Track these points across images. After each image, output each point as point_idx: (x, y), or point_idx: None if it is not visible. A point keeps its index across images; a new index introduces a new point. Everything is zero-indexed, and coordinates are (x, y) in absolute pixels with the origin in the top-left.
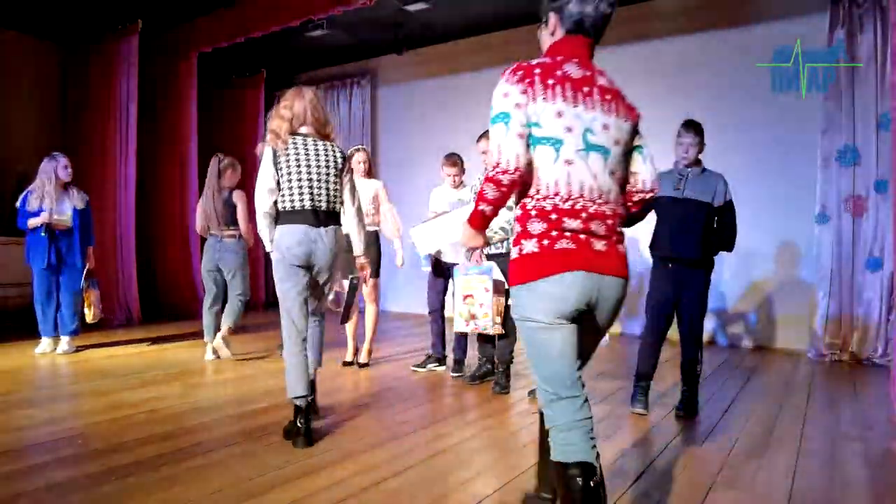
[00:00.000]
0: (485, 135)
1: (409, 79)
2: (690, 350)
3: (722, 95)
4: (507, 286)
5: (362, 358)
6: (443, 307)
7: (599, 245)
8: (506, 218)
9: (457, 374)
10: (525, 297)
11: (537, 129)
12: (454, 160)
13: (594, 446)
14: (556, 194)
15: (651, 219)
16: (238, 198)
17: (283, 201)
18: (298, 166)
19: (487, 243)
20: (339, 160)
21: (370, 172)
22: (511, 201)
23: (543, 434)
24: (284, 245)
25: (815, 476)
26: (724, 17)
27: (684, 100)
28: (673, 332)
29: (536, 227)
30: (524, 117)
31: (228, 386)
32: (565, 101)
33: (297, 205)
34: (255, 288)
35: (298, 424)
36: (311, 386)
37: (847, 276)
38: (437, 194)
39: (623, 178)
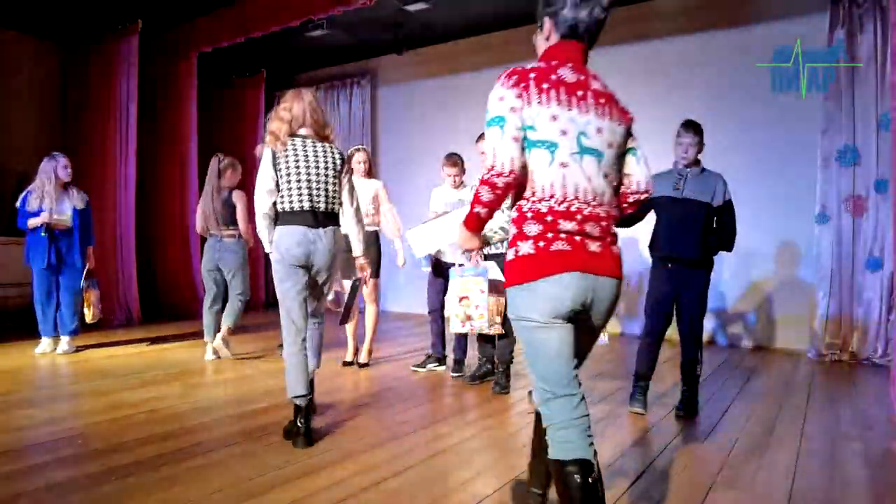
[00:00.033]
0: (483, 136)
1: (409, 79)
2: (690, 350)
3: (722, 95)
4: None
5: (362, 358)
6: (443, 307)
7: (594, 246)
8: (506, 218)
9: (457, 374)
10: (521, 298)
11: (532, 132)
12: (454, 160)
13: (591, 444)
14: (552, 196)
15: (650, 219)
16: (238, 198)
17: (282, 202)
18: (297, 168)
19: (487, 243)
20: (338, 161)
21: (370, 172)
22: (506, 203)
23: (538, 431)
24: (283, 246)
25: (815, 476)
26: (724, 17)
27: (684, 100)
28: (673, 333)
29: (532, 228)
30: (519, 121)
31: (228, 386)
32: (560, 105)
33: (296, 206)
34: (255, 288)
35: (298, 424)
36: (310, 386)
37: (847, 276)
38: (438, 194)
39: (616, 180)
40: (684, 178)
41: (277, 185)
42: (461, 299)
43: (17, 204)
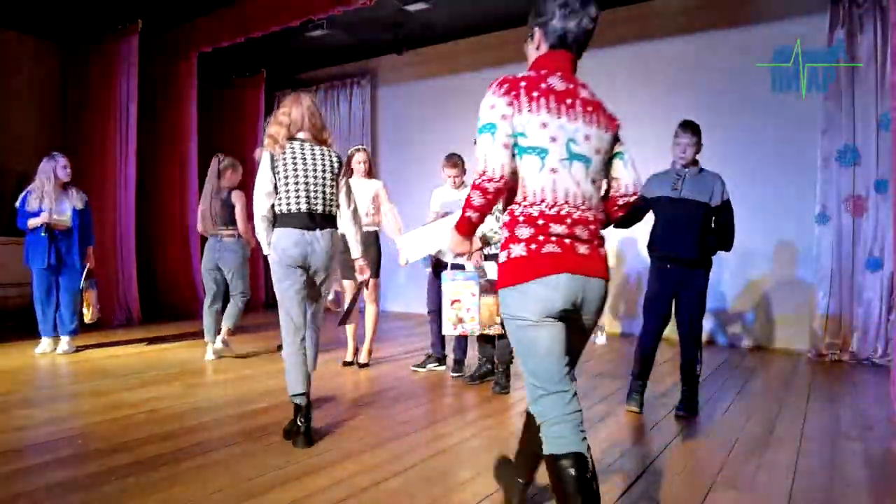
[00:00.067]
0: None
1: (409, 79)
2: (690, 350)
3: (722, 95)
4: None
5: (362, 358)
6: (440, 311)
7: (583, 249)
8: (498, 223)
9: (457, 374)
10: (514, 298)
11: (523, 139)
12: (454, 161)
13: (584, 438)
14: (543, 201)
15: (649, 219)
16: (236, 198)
17: (280, 204)
18: (296, 170)
19: (488, 243)
20: (336, 164)
21: (370, 172)
22: (498, 208)
23: (526, 426)
24: (281, 247)
25: (815, 476)
26: (724, 17)
27: (684, 100)
28: (672, 333)
29: (524, 232)
30: (510, 128)
31: (228, 386)
32: (549, 113)
33: (294, 208)
34: (255, 288)
35: (298, 423)
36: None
37: (847, 276)
38: (439, 194)
39: (603, 185)
40: (682, 178)
41: (276, 187)
42: (453, 302)
43: (17, 204)
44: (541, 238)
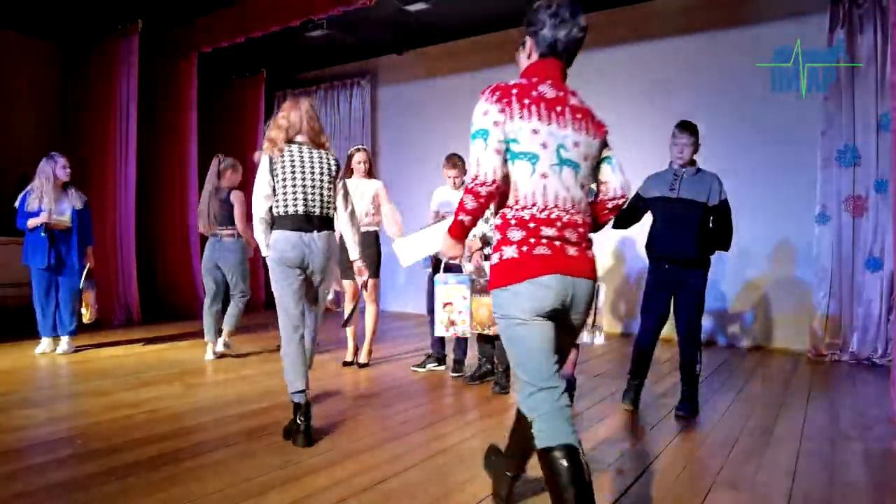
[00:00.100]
0: None
1: (409, 79)
2: (689, 350)
3: (722, 95)
4: None
5: (362, 358)
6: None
7: (572, 251)
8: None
9: (457, 374)
10: (506, 298)
11: (515, 144)
12: (454, 161)
13: (574, 432)
14: (534, 205)
15: (648, 219)
16: (235, 198)
17: (278, 207)
18: (293, 173)
19: (488, 243)
20: (333, 167)
21: (370, 172)
22: (490, 211)
23: (516, 422)
24: (280, 249)
25: (815, 476)
26: (724, 17)
27: (684, 99)
28: (672, 333)
29: (516, 234)
30: (502, 134)
31: (228, 386)
32: (540, 120)
33: (291, 210)
34: (255, 288)
35: (298, 422)
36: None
37: (847, 276)
38: (438, 195)
39: (591, 189)
40: (680, 178)
41: (274, 190)
42: (445, 305)
43: (17, 204)
44: (532, 240)
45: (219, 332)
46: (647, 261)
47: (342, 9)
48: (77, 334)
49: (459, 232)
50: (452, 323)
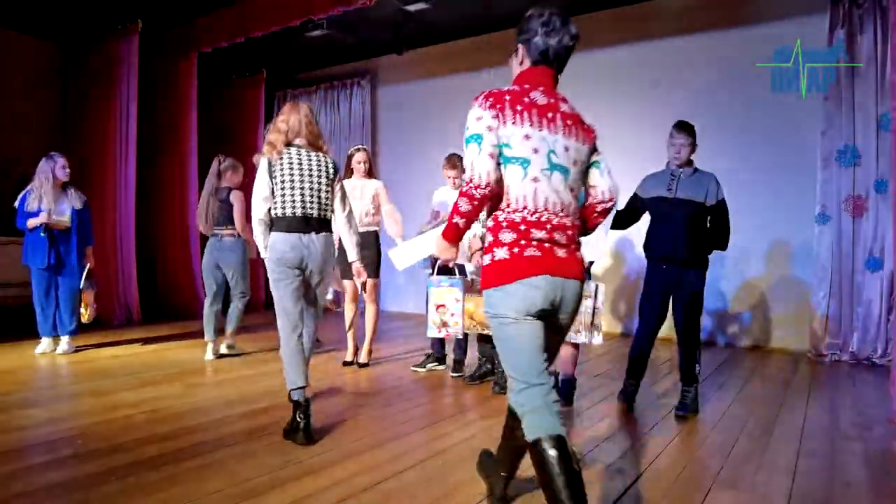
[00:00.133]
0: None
1: (409, 79)
2: (688, 350)
3: (722, 95)
4: None
5: (362, 358)
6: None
7: (561, 252)
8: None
9: (457, 374)
10: (497, 298)
11: (508, 149)
12: (454, 162)
13: (563, 424)
14: (525, 208)
15: (645, 220)
16: (235, 198)
17: (276, 208)
18: (292, 175)
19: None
20: (331, 170)
21: (370, 172)
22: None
23: (508, 421)
24: (278, 250)
25: (815, 476)
26: (724, 17)
27: (684, 99)
28: (673, 333)
29: (507, 236)
30: (495, 139)
31: (228, 386)
32: (532, 126)
33: (290, 212)
34: (255, 288)
35: (298, 420)
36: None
37: (847, 276)
38: (439, 194)
39: (580, 193)
40: (677, 178)
41: (273, 192)
42: (438, 307)
43: (16, 204)
44: (522, 242)
45: (220, 332)
46: (644, 261)
47: (342, 9)
48: (77, 334)
49: (454, 235)
50: (444, 324)
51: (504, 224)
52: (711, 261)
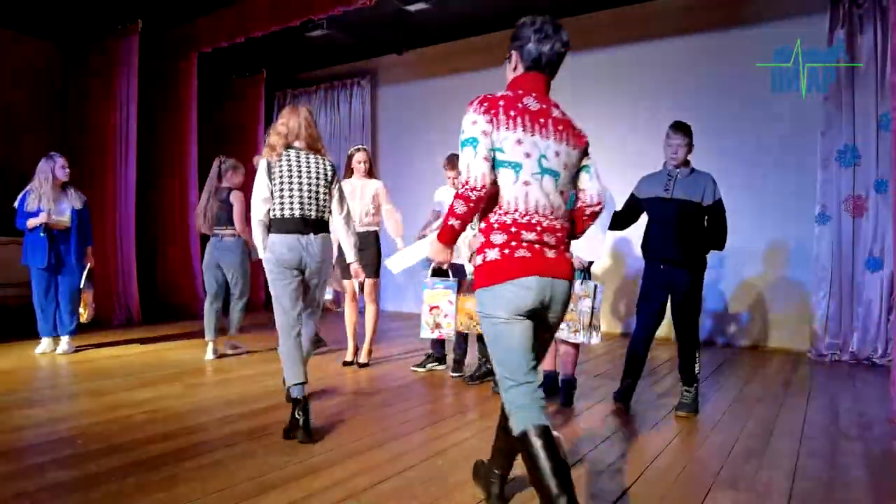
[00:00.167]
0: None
1: (409, 79)
2: (688, 350)
3: (722, 95)
4: None
5: (362, 358)
6: None
7: (551, 253)
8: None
9: (457, 374)
10: (488, 298)
11: (500, 153)
12: (455, 162)
13: (548, 418)
14: (516, 210)
15: (643, 220)
16: (235, 198)
17: (275, 210)
18: (290, 177)
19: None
20: (329, 172)
21: (370, 172)
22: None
23: (501, 421)
24: (277, 251)
25: (815, 476)
26: (724, 17)
27: (684, 99)
28: (671, 333)
29: (498, 238)
30: (489, 143)
31: (228, 386)
32: (524, 131)
33: (288, 213)
34: (255, 288)
35: (297, 417)
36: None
37: (847, 276)
38: (440, 194)
39: (569, 197)
40: (674, 178)
41: (272, 193)
42: (431, 308)
43: (16, 204)
44: (513, 244)
45: (220, 332)
46: (642, 261)
47: (342, 9)
48: (77, 334)
49: (449, 236)
50: (438, 325)
51: (496, 226)
52: (711, 261)
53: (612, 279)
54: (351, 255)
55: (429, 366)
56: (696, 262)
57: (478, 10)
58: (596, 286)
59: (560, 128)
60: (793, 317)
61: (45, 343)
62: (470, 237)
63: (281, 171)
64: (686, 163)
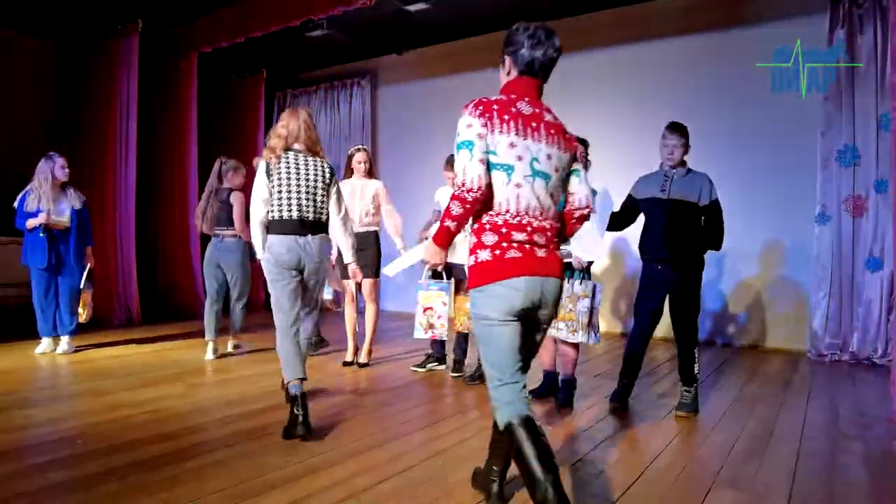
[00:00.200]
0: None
1: (409, 79)
2: (687, 350)
3: (722, 95)
4: None
5: (362, 358)
6: None
7: (541, 252)
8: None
9: (457, 374)
10: (480, 299)
11: (494, 156)
12: (454, 163)
13: (531, 411)
14: (507, 211)
15: (640, 221)
16: (235, 198)
17: (273, 211)
18: (289, 179)
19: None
20: (327, 175)
21: (370, 172)
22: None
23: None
24: (275, 252)
25: (815, 476)
26: (724, 17)
27: (684, 99)
28: (671, 333)
29: (489, 238)
30: (484, 145)
31: (228, 386)
32: (517, 135)
33: (286, 215)
34: (256, 288)
35: (296, 412)
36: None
37: (847, 276)
38: (442, 194)
39: (559, 198)
40: (670, 179)
41: (271, 194)
42: (425, 310)
43: (15, 204)
44: (504, 245)
45: (220, 332)
46: (640, 262)
47: (342, 9)
48: (77, 334)
49: (445, 238)
50: (431, 326)
51: (487, 227)
52: (712, 261)
53: (612, 279)
54: (348, 256)
55: (429, 366)
56: (693, 262)
57: (478, 10)
58: (595, 286)
59: (552, 131)
60: (792, 317)
61: (45, 343)
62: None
63: (279, 173)
64: (682, 163)
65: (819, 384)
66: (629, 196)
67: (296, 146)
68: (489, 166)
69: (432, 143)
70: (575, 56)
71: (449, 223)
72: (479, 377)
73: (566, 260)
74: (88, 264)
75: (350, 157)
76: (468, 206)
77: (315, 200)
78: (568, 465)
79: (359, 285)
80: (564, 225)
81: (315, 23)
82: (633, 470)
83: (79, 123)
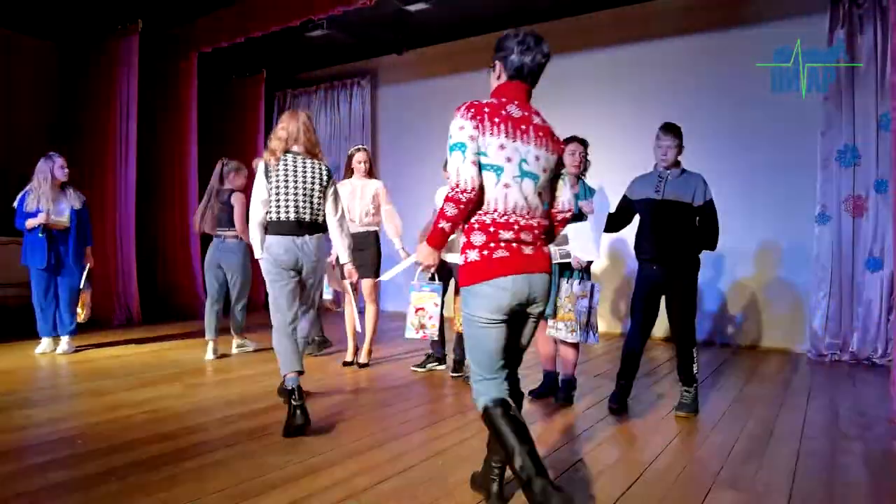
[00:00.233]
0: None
1: (409, 79)
2: (685, 350)
3: (722, 95)
4: None
5: (362, 358)
6: (442, 307)
7: (528, 250)
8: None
9: (457, 374)
10: (470, 297)
11: (484, 157)
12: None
13: (508, 397)
14: (495, 210)
15: (636, 222)
16: (235, 199)
17: (271, 212)
18: (287, 180)
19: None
20: (325, 176)
21: (370, 172)
22: None
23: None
24: (274, 252)
25: (815, 476)
26: (724, 17)
27: (684, 99)
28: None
29: (478, 238)
30: (476, 147)
31: (228, 386)
32: (507, 137)
33: (283, 216)
34: (256, 287)
35: (293, 403)
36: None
37: (847, 276)
38: (441, 195)
39: (548, 198)
40: (665, 180)
41: (270, 195)
42: (417, 310)
43: (15, 204)
44: (492, 245)
45: (220, 332)
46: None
47: (342, 9)
48: (77, 334)
49: (439, 240)
50: (423, 326)
51: (476, 226)
52: (711, 261)
53: (611, 279)
54: (344, 257)
55: (429, 366)
56: (688, 263)
57: (478, 10)
58: (593, 286)
59: (540, 134)
60: (792, 317)
61: (44, 343)
62: None
63: (278, 175)
64: (677, 164)
65: (819, 384)
66: (624, 197)
67: (295, 148)
68: (480, 167)
69: (432, 143)
70: (575, 56)
71: (443, 224)
72: None
73: (566, 260)
74: (88, 264)
75: (350, 157)
76: (462, 206)
77: (312, 202)
78: (568, 465)
79: (354, 286)
80: (552, 223)
81: (315, 23)
82: (632, 470)
83: (79, 123)
